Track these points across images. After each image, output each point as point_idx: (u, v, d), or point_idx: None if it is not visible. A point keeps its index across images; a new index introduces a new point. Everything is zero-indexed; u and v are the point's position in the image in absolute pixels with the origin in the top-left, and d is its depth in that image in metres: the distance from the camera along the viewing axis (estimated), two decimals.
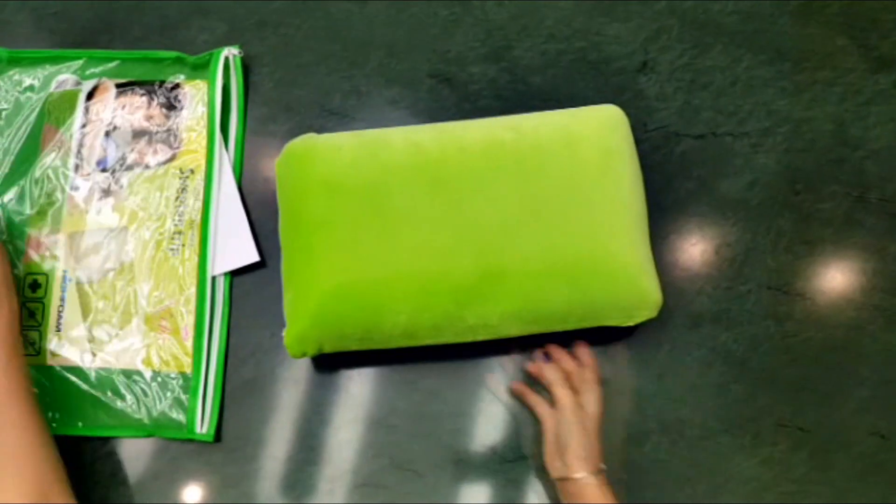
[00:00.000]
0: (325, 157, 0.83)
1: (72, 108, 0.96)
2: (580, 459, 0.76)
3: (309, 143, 0.85)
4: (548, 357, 0.86)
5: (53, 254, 0.91)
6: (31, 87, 0.97)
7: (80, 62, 0.98)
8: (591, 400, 0.80)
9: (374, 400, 0.87)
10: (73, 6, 1.02)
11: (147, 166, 0.93)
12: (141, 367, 0.87)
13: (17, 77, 0.98)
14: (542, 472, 0.83)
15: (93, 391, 0.87)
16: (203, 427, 0.86)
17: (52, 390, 0.87)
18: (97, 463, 0.86)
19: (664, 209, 0.89)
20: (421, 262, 0.78)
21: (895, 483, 0.83)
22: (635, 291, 0.80)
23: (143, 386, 0.87)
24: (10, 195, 0.93)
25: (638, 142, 0.92)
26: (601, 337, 0.87)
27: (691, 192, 0.93)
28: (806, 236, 0.91)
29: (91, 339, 0.88)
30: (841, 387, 0.86)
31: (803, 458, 0.84)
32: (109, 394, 0.87)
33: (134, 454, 0.86)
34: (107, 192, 0.93)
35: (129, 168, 0.93)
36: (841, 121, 0.95)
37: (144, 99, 0.96)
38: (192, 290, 0.89)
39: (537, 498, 0.84)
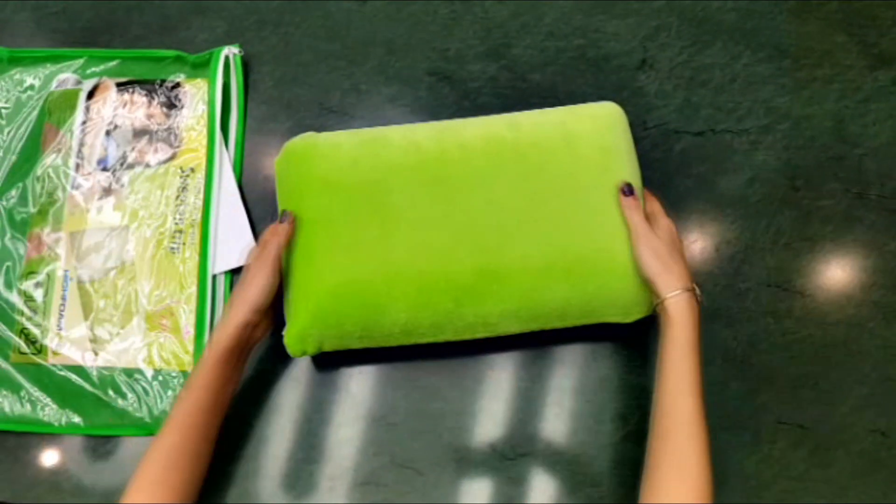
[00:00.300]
0: (325, 155, 0.83)
1: (72, 107, 0.96)
2: (687, 276, 0.77)
3: (308, 142, 0.85)
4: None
5: (55, 253, 0.91)
6: (31, 87, 0.98)
7: (81, 61, 0.98)
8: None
9: (374, 398, 0.87)
10: (74, 6, 1.03)
11: (148, 165, 0.94)
12: (142, 365, 0.88)
13: (17, 76, 0.98)
14: (544, 469, 0.84)
15: (94, 390, 0.87)
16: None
17: (53, 389, 0.88)
18: (99, 461, 0.87)
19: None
20: (420, 260, 0.78)
21: (895, 480, 0.83)
22: (633, 288, 0.80)
23: (144, 384, 0.87)
24: (12, 194, 0.94)
25: (637, 139, 0.92)
26: (600, 334, 0.87)
27: (691, 190, 0.93)
28: (805, 233, 0.91)
29: (92, 338, 0.88)
30: (841, 384, 0.86)
31: (803, 456, 0.84)
32: (111, 392, 0.87)
33: (135, 452, 0.87)
34: (107, 191, 0.93)
35: (130, 167, 0.94)
36: (840, 118, 0.95)
37: (145, 98, 0.96)
38: (193, 288, 0.89)
39: (538, 496, 0.84)
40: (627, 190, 0.81)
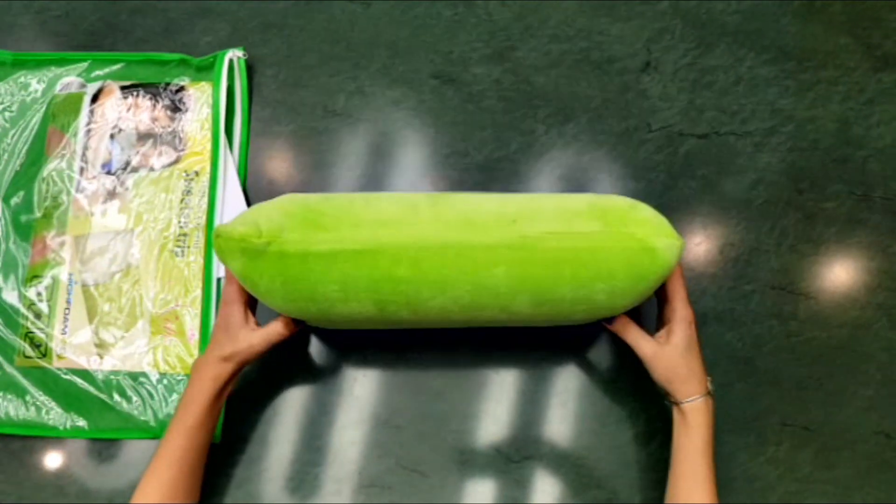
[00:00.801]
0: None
1: (76, 110, 0.96)
2: (703, 378, 0.74)
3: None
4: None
5: (59, 256, 0.91)
6: (35, 90, 0.98)
7: (85, 64, 0.99)
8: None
9: (379, 401, 0.87)
10: (78, 9, 1.03)
11: (152, 168, 0.94)
12: (147, 369, 0.88)
13: (21, 80, 0.98)
14: (549, 472, 0.84)
15: (99, 393, 0.87)
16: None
17: (58, 393, 0.88)
18: (103, 465, 0.87)
19: (668, 209, 0.89)
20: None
21: None
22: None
23: (149, 388, 0.87)
24: (16, 198, 0.94)
25: (641, 142, 0.93)
26: (604, 336, 0.87)
27: (695, 192, 0.93)
28: (810, 235, 0.91)
29: (97, 342, 0.88)
30: (845, 386, 0.87)
31: (808, 458, 0.84)
32: (116, 396, 0.87)
33: (140, 455, 0.87)
34: (112, 195, 0.93)
35: (135, 170, 0.94)
36: (844, 120, 0.95)
37: (149, 101, 0.96)
38: (198, 291, 0.89)
39: (543, 498, 0.84)
40: (606, 321, 0.77)
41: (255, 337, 0.77)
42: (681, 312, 0.75)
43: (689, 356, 0.74)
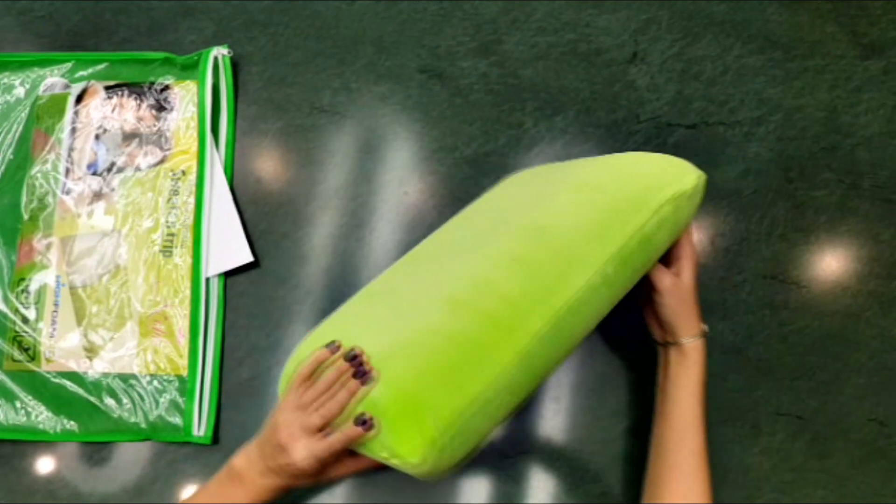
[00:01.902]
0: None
1: (61, 111, 0.95)
2: (700, 318, 0.77)
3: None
4: None
5: (46, 259, 0.90)
6: (19, 91, 0.97)
7: (69, 65, 0.98)
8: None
9: None
10: (61, 9, 1.02)
11: (138, 168, 0.93)
12: (137, 370, 0.87)
13: (5, 81, 0.97)
14: (543, 467, 0.84)
15: (89, 396, 0.87)
16: (200, 429, 0.85)
17: (48, 396, 0.87)
18: (95, 468, 0.86)
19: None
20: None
21: (894, 468, 0.83)
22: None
23: (139, 390, 0.87)
24: (2, 201, 0.93)
25: (630, 133, 0.92)
26: (598, 330, 0.87)
27: None
28: (800, 224, 0.91)
29: (86, 344, 0.88)
30: (838, 374, 0.86)
31: (802, 447, 0.84)
32: (106, 398, 0.87)
33: (131, 458, 0.86)
34: (98, 196, 0.92)
35: (120, 171, 0.93)
36: (832, 108, 0.95)
37: (134, 101, 0.95)
38: (187, 292, 0.89)
39: (538, 493, 0.83)
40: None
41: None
42: (690, 249, 0.77)
43: (695, 293, 0.77)
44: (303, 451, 0.65)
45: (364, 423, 0.63)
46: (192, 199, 0.91)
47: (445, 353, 0.63)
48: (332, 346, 0.67)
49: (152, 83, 0.96)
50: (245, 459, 0.71)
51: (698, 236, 0.90)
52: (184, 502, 0.72)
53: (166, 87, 0.96)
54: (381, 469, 0.67)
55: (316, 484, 0.69)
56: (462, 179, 0.93)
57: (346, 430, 0.64)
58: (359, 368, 0.64)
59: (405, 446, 0.61)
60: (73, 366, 0.88)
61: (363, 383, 0.63)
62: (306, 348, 0.70)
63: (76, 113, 0.95)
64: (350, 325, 0.70)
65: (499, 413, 0.65)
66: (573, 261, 0.68)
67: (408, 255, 0.79)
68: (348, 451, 0.66)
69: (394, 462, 0.63)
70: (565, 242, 0.69)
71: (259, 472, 0.69)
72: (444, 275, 0.70)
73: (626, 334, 0.87)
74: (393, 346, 0.65)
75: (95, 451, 0.87)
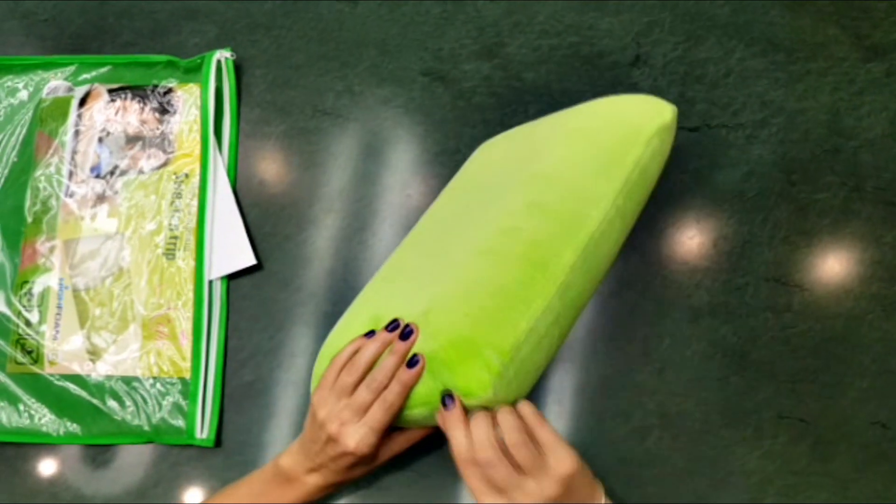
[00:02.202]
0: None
1: (64, 114, 0.95)
2: None
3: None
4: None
5: (49, 262, 0.90)
6: (23, 94, 0.97)
7: (72, 68, 0.98)
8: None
9: None
10: (64, 13, 1.02)
11: (141, 171, 0.93)
12: (140, 373, 0.87)
13: (8, 84, 0.98)
14: None
15: (92, 399, 0.87)
16: (203, 432, 0.85)
17: (51, 399, 0.87)
18: (98, 470, 0.86)
19: (660, 203, 0.89)
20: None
21: None
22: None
23: (142, 392, 0.87)
24: (6, 204, 0.93)
25: None
26: (600, 331, 0.87)
27: (687, 186, 0.92)
28: (803, 227, 0.91)
29: (89, 347, 0.88)
30: (841, 377, 0.86)
31: (805, 450, 0.84)
32: (109, 401, 0.87)
33: (134, 461, 0.86)
34: (101, 199, 0.92)
35: (124, 173, 0.93)
36: (835, 111, 0.95)
37: (137, 104, 0.96)
38: (190, 294, 0.89)
39: None
40: (448, 401, 0.64)
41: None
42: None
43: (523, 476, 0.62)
44: (356, 434, 0.62)
45: (413, 364, 0.62)
46: (195, 202, 0.91)
47: (491, 296, 0.67)
48: (370, 334, 0.66)
49: (155, 86, 0.96)
50: (291, 459, 0.69)
51: (701, 240, 0.90)
52: (223, 494, 0.70)
53: (169, 90, 0.96)
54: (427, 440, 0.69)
55: (369, 472, 0.68)
56: None
57: (398, 379, 0.62)
58: (403, 331, 0.64)
59: (474, 383, 0.64)
60: (76, 368, 0.88)
61: (408, 341, 0.63)
62: (337, 339, 0.72)
63: (79, 116, 0.95)
64: (380, 302, 0.72)
65: (550, 344, 0.71)
66: (587, 198, 0.73)
67: (410, 235, 0.81)
68: (395, 429, 0.64)
69: (465, 402, 0.64)
70: (575, 183, 0.75)
71: (307, 470, 0.68)
72: (467, 233, 0.74)
73: (629, 335, 0.87)
74: (435, 302, 0.68)
75: (98, 453, 0.87)
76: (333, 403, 0.65)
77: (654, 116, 0.78)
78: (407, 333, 0.64)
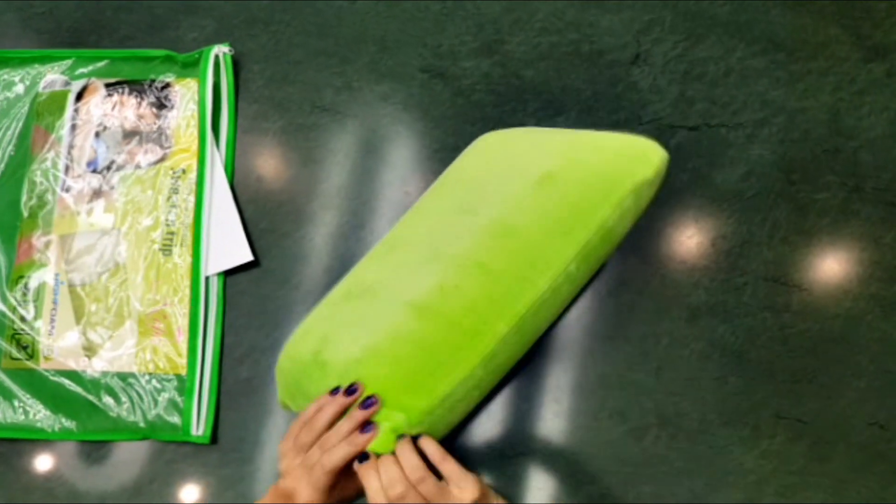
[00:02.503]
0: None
1: (61, 109, 0.95)
2: None
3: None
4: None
5: (45, 257, 0.90)
6: (19, 88, 0.97)
7: (69, 62, 0.97)
8: None
9: None
10: (61, 6, 1.01)
11: (138, 166, 0.93)
12: (135, 369, 0.87)
13: (5, 77, 0.97)
14: (543, 468, 0.83)
15: (87, 395, 0.86)
16: (199, 429, 0.85)
17: (46, 395, 0.87)
18: (93, 467, 0.86)
19: (660, 202, 0.88)
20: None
21: (895, 472, 0.83)
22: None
23: (137, 389, 0.86)
24: (1, 198, 0.93)
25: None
26: (597, 330, 0.87)
27: (686, 185, 0.92)
28: (802, 227, 0.91)
29: (85, 343, 0.87)
30: (839, 377, 0.86)
31: (802, 450, 0.84)
32: (104, 397, 0.86)
33: (130, 457, 0.86)
34: (98, 194, 0.92)
35: (120, 168, 0.93)
36: (835, 110, 0.94)
37: (134, 98, 0.95)
38: (186, 290, 0.88)
39: (537, 494, 0.83)
40: (363, 457, 0.66)
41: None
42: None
43: None
44: (304, 491, 0.66)
45: (367, 430, 0.66)
46: (192, 198, 0.91)
47: (414, 358, 0.69)
48: (334, 391, 0.68)
49: (153, 81, 0.96)
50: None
51: (700, 239, 0.90)
52: None
53: (167, 85, 0.96)
54: None
55: None
56: None
57: (349, 441, 0.66)
58: (365, 401, 0.67)
59: (381, 442, 0.66)
60: (71, 364, 0.87)
61: (367, 410, 0.67)
62: (292, 349, 0.75)
63: (76, 110, 0.95)
64: (324, 327, 0.74)
65: (468, 405, 0.72)
66: (537, 262, 0.71)
67: (382, 241, 0.81)
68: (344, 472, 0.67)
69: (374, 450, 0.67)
70: (530, 244, 0.72)
71: None
72: (413, 276, 0.73)
73: (627, 334, 0.87)
74: (363, 353, 0.69)
75: (94, 449, 0.86)
76: (291, 458, 0.69)
77: (636, 170, 0.75)
78: (368, 404, 0.67)
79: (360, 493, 0.69)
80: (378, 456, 0.66)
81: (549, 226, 0.73)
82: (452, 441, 0.85)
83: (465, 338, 0.69)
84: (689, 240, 0.90)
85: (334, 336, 0.72)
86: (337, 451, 0.65)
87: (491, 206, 0.75)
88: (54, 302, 0.89)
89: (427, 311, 0.70)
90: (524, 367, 0.86)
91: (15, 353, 0.88)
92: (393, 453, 0.66)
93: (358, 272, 0.78)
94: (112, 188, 0.92)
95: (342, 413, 0.68)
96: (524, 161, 0.79)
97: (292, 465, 0.68)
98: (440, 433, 0.71)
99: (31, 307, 0.89)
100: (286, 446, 0.69)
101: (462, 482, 0.65)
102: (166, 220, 0.90)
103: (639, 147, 0.77)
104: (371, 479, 0.65)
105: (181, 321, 0.88)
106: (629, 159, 0.76)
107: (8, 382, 0.87)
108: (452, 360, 0.69)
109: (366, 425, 0.66)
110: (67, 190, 0.92)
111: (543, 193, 0.74)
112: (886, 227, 0.90)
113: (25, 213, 0.92)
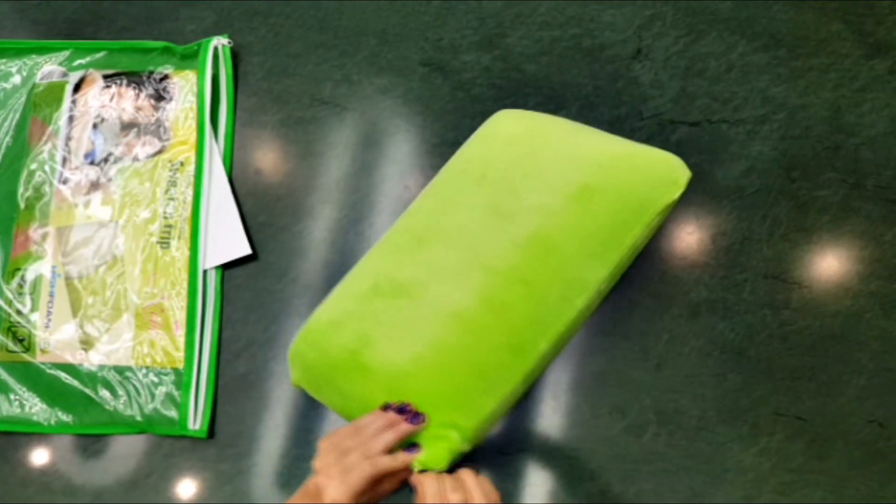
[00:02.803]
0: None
1: (59, 100, 0.94)
2: None
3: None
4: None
5: (42, 249, 0.89)
6: (16, 79, 0.96)
7: (67, 53, 0.97)
8: None
9: None
10: None
11: (136, 159, 0.92)
12: (132, 363, 0.86)
13: (2, 68, 0.96)
14: (541, 465, 0.83)
15: (84, 388, 0.86)
16: (196, 423, 0.85)
17: (42, 388, 0.86)
18: (89, 460, 0.85)
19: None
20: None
21: (894, 470, 0.83)
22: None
23: (135, 382, 0.86)
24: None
25: (633, 130, 0.92)
26: (596, 328, 0.87)
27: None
28: (802, 224, 0.90)
29: (82, 336, 0.87)
30: (838, 375, 0.86)
31: (801, 448, 0.84)
32: (101, 391, 0.86)
33: (126, 451, 0.86)
34: (95, 186, 0.91)
35: (118, 161, 0.92)
36: (836, 107, 0.94)
37: (133, 90, 0.95)
38: (184, 284, 0.88)
39: (536, 491, 0.83)
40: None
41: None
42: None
43: None
44: (340, 486, 0.66)
45: (412, 449, 0.69)
46: (190, 191, 0.90)
47: (463, 375, 0.71)
48: (386, 408, 0.70)
49: (151, 72, 0.95)
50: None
51: (700, 236, 0.90)
52: None
53: (165, 77, 0.95)
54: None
55: None
56: None
57: (393, 457, 0.67)
58: (414, 416, 0.69)
59: (435, 458, 0.68)
60: (68, 357, 0.87)
61: (415, 426, 0.69)
62: (320, 339, 0.74)
63: (74, 101, 0.94)
64: (358, 324, 0.74)
65: (501, 417, 0.75)
66: (575, 283, 0.74)
67: (404, 227, 0.80)
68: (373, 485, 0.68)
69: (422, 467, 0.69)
70: (569, 262, 0.74)
71: None
72: (454, 283, 0.73)
73: (626, 331, 0.87)
74: (412, 366, 0.71)
75: (90, 443, 0.86)
76: (329, 457, 0.69)
77: (667, 191, 0.77)
78: (417, 421, 0.69)
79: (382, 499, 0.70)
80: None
81: (587, 244, 0.75)
82: None
83: (511, 356, 0.72)
84: (690, 236, 0.90)
85: (373, 338, 0.72)
86: (381, 462, 0.66)
87: (528, 215, 0.75)
88: (51, 294, 0.88)
89: (475, 325, 0.72)
90: None
91: (11, 345, 0.87)
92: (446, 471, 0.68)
93: (383, 265, 0.77)
94: (110, 180, 0.91)
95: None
96: (559, 167, 0.79)
97: (328, 462, 0.68)
98: (480, 441, 0.74)
99: (27, 300, 0.88)
100: (328, 444, 0.69)
101: None
102: (164, 212, 0.90)
103: (668, 166, 0.78)
104: (429, 483, 0.66)
105: (179, 315, 0.87)
106: (660, 180, 0.77)
107: (4, 375, 0.87)
108: (500, 379, 0.72)
109: (411, 446, 0.68)
110: (65, 182, 0.91)
111: (581, 209, 0.75)
112: (887, 224, 0.90)
113: (22, 205, 0.91)
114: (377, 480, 0.67)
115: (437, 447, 0.69)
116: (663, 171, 0.78)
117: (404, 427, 0.69)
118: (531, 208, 0.75)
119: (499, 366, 0.71)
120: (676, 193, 0.77)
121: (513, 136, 0.83)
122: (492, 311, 0.72)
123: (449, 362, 0.71)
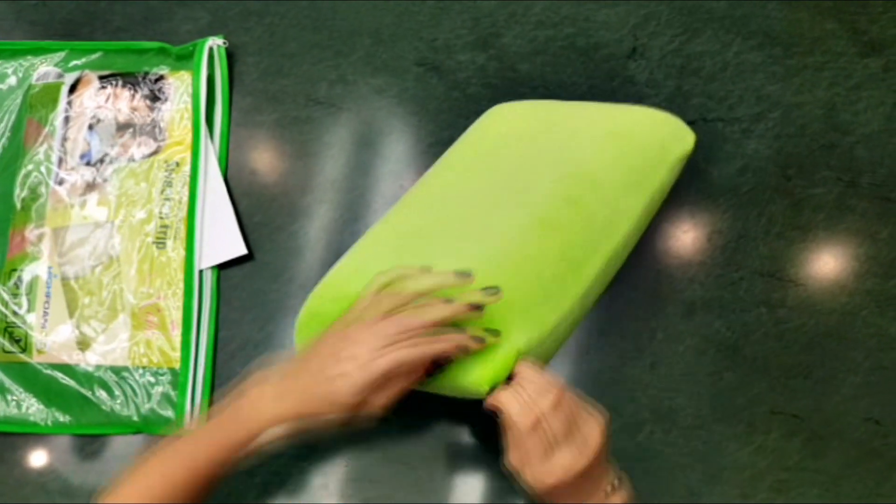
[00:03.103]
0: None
1: (54, 101, 0.94)
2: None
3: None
4: None
5: (38, 250, 0.89)
6: (11, 80, 0.96)
7: (63, 54, 0.97)
8: None
9: None
10: None
11: (132, 159, 0.92)
12: (129, 363, 0.87)
13: None
14: None
15: (80, 388, 0.86)
16: (192, 423, 0.85)
17: (39, 388, 0.86)
18: (86, 461, 0.85)
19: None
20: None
21: (890, 469, 0.83)
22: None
23: (131, 382, 0.86)
24: None
25: None
26: (592, 326, 0.87)
27: (682, 179, 0.91)
28: (798, 222, 0.91)
29: (78, 336, 0.87)
30: (834, 373, 0.86)
31: (797, 446, 0.84)
32: (98, 391, 0.86)
33: (123, 451, 0.86)
34: (91, 186, 0.91)
35: (114, 161, 0.92)
36: (831, 105, 0.94)
37: (128, 91, 0.95)
38: (180, 284, 0.88)
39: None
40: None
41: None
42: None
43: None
44: (381, 360, 0.60)
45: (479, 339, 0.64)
46: (185, 191, 0.90)
47: (524, 284, 0.69)
48: (463, 275, 0.65)
49: (147, 73, 0.95)
50: (258, 384, 0.65)
51: (695, 234, 0.90)
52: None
53: (161, 78, 0.95)
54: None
55: (345, 425, 0.64)
56: None
57: (451, 339, 0.63)
58: (488, 293, 0.65)
59: (478, 375, 0.66)
60: (65, 358, 0.87)
61: (489, 297, 0.65)
62: (336, 290, 0.73)
63: (69, 102, 0.94)
64: (399, 255, 0.73)
65: (556, 348, 0.75)
66: (619, 210, 0.77)
67: (419, 189, 0.82)
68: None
69: (459, 382, 0.67)
70: (611, 192, 0.77)
71: (274, 397, 0.63)
72: (497, 211, 0.75)
73: (621, 329, 0.87)
74: (480, 264, 0.68)
75: (87, 443, 0.86)
76: (366, 331, 0.62)
77: (678, 141, 0.83)
78: (490, 293, 0.64)
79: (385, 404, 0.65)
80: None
81: (623, 179, 0.78)
82: (448, 436, 0.85)
83: (571, 270, 0.72)
84: (685, 234, 0.90)
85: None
86: (437, 343, 0.61)
87: (561, 152, 0.79)
88: (47, 295, 0.88)
89: (530, 238, 0.72)
90: None
91: (8, 346, 0.87)
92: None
93: (416, 213, 0.79)
94: (105, 181, 0.91)
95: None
96: (578, 120, 0.84)
97: (365, 334, 0.61)
98: (539, 364, 0.70)
99: (23, 300, 0.88)
100: (368, 292, 0.65)
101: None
102: (160, 213, 0.90)
103: (675, 122, 0.84)
104: (511, 400, 0.61)
105: (175, 315, 0.87)
106: (672, 129, 0.84)
107: (1, 376, 0.87)
108: (560, 292, 0.71)
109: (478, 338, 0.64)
110: (61, 182, 0.91)
111: (610, 149, 0.80)
112: (882, 222, 0.90)
113: (18, 206, 0.91)
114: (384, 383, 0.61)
115: (485, 364, 0.66)
116: (672, 126, 0.84)
117: (463, 308, 0.62)
118: (563, 159, 0.79)
119: (558, 278, 0.71)
120: (689, 145, 0.83)
121: (522, 112, 0.88)
122: (544, 227, 0.73)
123: (509, 273, 0.69)
